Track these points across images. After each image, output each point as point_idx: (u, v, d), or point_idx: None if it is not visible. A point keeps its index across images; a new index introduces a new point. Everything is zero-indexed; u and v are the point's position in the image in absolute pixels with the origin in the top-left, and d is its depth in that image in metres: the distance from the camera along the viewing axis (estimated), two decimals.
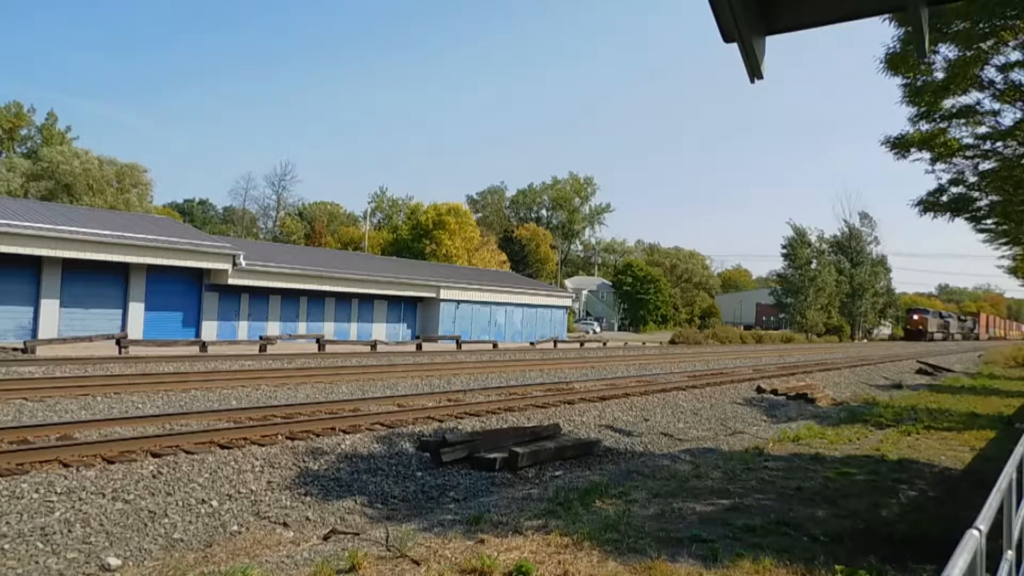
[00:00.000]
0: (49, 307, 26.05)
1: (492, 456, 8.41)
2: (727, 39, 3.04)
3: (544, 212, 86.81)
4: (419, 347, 28.37)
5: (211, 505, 6.40)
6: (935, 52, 12.54)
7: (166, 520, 5.99)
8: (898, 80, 13.62)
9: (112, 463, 6.80)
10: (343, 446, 8.45)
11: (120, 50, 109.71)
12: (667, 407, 14.05)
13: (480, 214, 79.86)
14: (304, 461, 7.75)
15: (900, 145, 14.74)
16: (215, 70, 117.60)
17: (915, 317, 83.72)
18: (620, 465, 9.17)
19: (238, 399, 11.19)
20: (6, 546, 5.13)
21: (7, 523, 5.44)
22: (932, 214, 15.79)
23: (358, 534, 5.67)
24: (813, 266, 72.28)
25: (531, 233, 73.30)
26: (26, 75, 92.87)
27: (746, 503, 6.79)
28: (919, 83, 13.48)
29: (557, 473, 8.62)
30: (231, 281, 29.06)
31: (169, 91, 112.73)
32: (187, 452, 7.38)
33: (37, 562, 5.02)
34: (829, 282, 72.13)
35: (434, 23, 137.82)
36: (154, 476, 6.69)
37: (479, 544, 5.14)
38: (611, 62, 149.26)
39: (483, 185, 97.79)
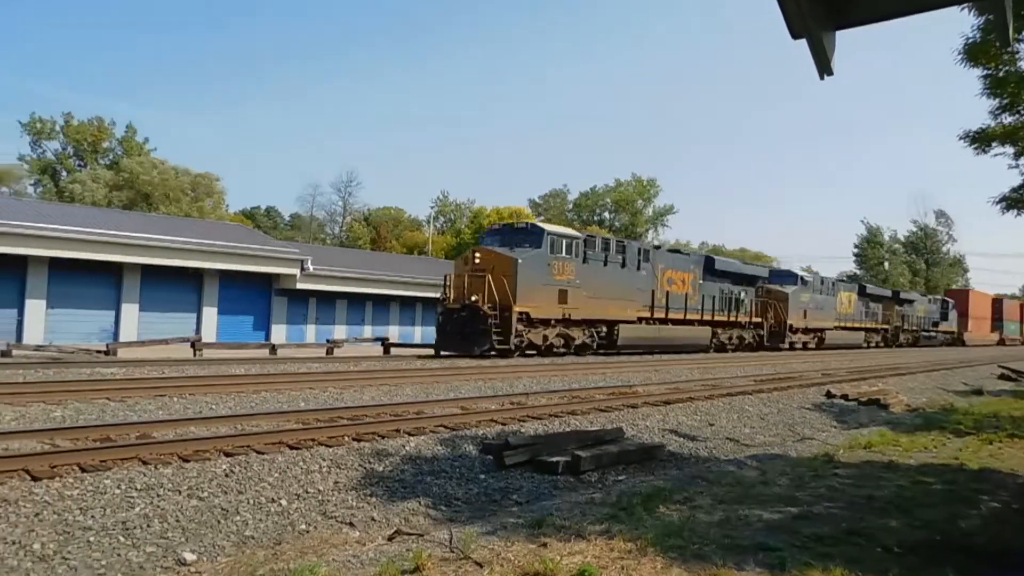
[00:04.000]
0: (129, 311, 27.19)
1: (554, 460, 8.40)
2: (796, 35, 2.97)
3: (607, 215, 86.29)
4: None
5: (280, 504, 6.57)
6: (1019, 41, 12.01)
7: (238, 518, 6.18)
8: (978, 72, 13.10)
9: (187, 461, 7.06)
10: (407, 448, 8.56)
11: (190, 65, 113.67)
12: (732, 411, 13.79)
13: (543, 217, 79.89)
14: (369, 462, 7.89)
15: (981, 140, 14.16)
16: (278, 81, 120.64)
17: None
18: (684, 470, 9.04)
19: (306, 401, 11.46)
20: (91, 539, 5.38)
21: (92, 517, 5.71)
22: (1016, 211, 15.11)
23: (422, 535, 5.74)
24: (886, 267, 69.95)
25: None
26: (97, 88, 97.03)
27: (815, 511, 6.62)
28: (1002, 74, 12.92)
29: (620, 478, 8.55)
30: (299, 286, 29.81)
31: (237, 103, 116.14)
32: (258, 452, 7.60)
33: (119, 555, 5.25)
34: (902, 283, 69.61)
35: (487, 28, 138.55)
36: (226, 475, 6.91)
37: (542, 547, 5.14)
38: (674, 63, 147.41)
39: (545, 188, 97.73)
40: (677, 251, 32.49)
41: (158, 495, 6.28)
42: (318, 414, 9.94)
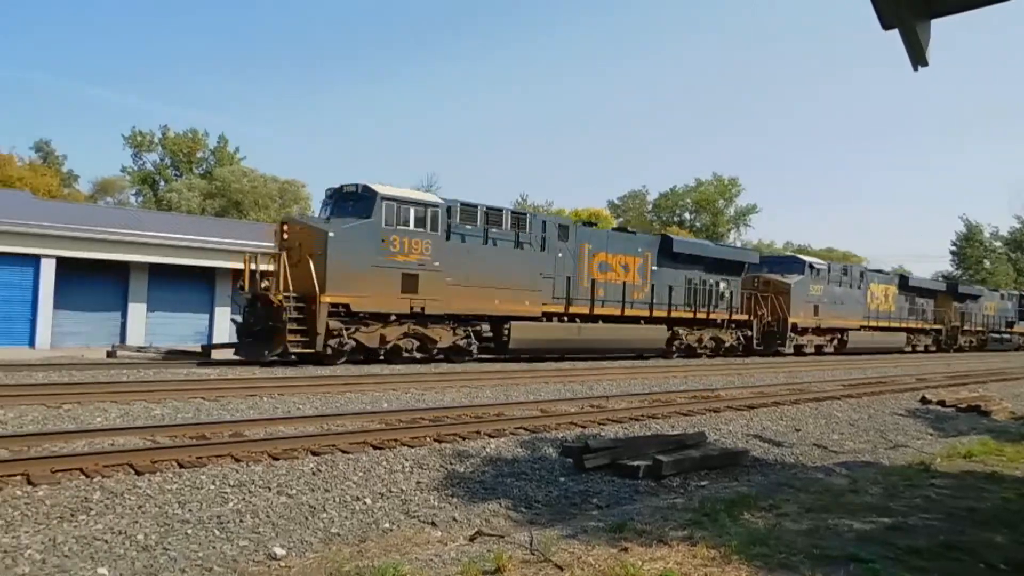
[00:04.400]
0: (222, 314, 28.31)
1: (635, 464, 8.32)
2: (887, 26, 2.84)
3: (687, 215, 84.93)
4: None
5: (365, 503, 6.73)
6: None
7: (324, 515, 6.36)
8: None
9: (277, 460, 7.32)
10: (488, 449, 8.64)
11: (271, 72, 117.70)
12: (820, 417, 13.36)
13: (622, 218, 79.30)
14: (451, 463, 8.00)
15: None
16: (352, 84, 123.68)
17: None
18: (769, 477, 8.80)
19: (388, 402, 11.70)
20: (189, 531, 5.65)
21: (189, 510, 5.99)
22: None
23: (503, 536, 5.78)
24: (987, 265, 66.16)
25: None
26: (189, 101, 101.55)
27: (909, 522, 6.33)
28: None
29: (702, 483, 8.40)
30: None
31: (319, 108, 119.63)
32: (343, 451, 7.81)
33: (214, 547, 5.49)
34: (1005, 283, 65.61)
35: (565, 27, 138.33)
36: (313, 473, 7.13)
37: (623, 552, 5.09)
38: (761, 56, 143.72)
39: (624, 190, 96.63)
40: (624, 230, 26.90)
41: (250, 491, 6.53)
42: (400, 415, 10.15)
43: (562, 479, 8.03)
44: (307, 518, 6.25)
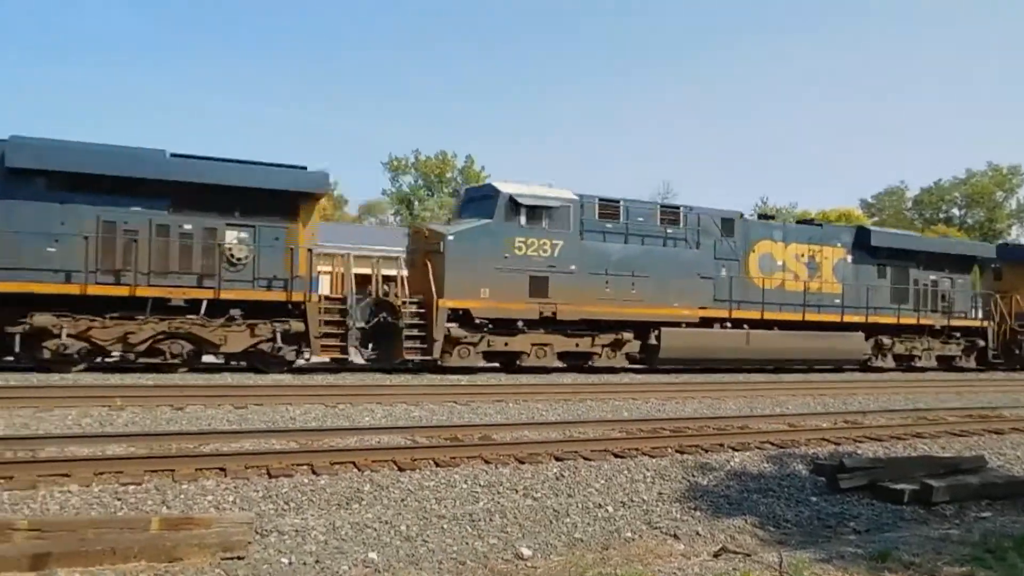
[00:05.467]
0: None
1: (899, 487, 7.58)
2: None
3: (956, 211, 75.89)
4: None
5: (607, 510, 6.81)
6: None
7: (567, 520, 6.53)
8: None
9: (522, 463, 7.65)
10: (732, 463, 8.36)
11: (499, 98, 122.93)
12: None
13: (877, 218, 72.78)
14: (693, 475, 7.84)
15: None
16: (591, 95, 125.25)
17: None
18: None
19: (628, 411, 11.74)
20: (444, 526, 6.10)
21: (445, 506, 6.46)
22: None
23: (749, 555, 5.56)
24: None
25: (941, 236, 64.30)
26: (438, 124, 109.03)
27: None
28: None
29: (984, 514, 7.45)
30: None
31: (542, 130, 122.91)
32: (585, 458, 7.97)
33: (467, 543, 5.87)
34: None
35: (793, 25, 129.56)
36: (557, 478, 7.36)
37: None
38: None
39: (879, 187, 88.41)
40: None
41: (498, 492, 6.89)
42: (640, 424, 10.16)
43: (813, 498, 7.55)
44: (551, 521, 6.46)
